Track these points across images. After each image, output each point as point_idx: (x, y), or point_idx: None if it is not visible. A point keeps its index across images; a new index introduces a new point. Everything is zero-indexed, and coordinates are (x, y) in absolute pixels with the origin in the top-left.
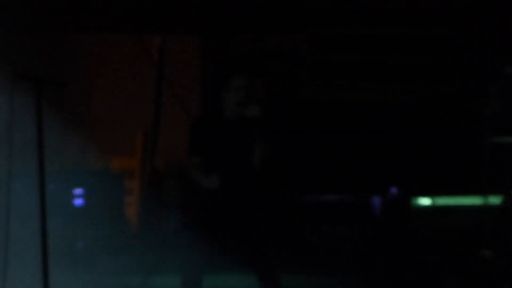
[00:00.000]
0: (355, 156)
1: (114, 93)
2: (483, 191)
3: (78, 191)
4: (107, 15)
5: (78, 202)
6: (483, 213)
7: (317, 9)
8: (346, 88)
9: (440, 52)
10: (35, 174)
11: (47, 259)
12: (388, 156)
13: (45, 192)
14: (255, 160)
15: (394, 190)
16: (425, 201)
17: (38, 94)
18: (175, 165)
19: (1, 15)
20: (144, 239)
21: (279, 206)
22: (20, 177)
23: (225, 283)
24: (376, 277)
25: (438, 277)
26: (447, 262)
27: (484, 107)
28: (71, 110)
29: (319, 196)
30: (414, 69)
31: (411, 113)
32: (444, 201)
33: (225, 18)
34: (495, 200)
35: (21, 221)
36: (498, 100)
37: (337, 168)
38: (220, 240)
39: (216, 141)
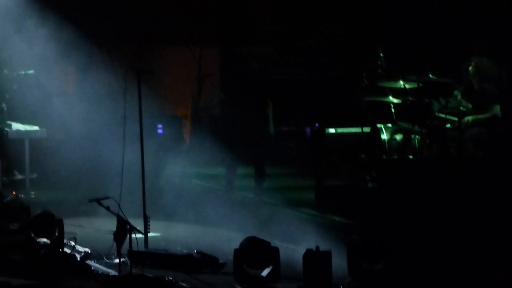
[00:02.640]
0: (298, 107)
1: (178, 77)
2: (360, 124)
3: (159, 126)
4: (174, 37)
5: (159, 131)
6: (360, 136)
7: (276, 31)
8: (292, 73)
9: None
10: (138, 118)
11: (143, 160)
12: (314, 108)
13: (142, 126)
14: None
15: (317, 125)
16: (331, 130)
17: (139, 77)
18: (210, 114)
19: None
20: (193, 149)
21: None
22: (129, 120)
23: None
24: (307, 167)
25: (339, 165)
26: (344, 160)
27: (361, 84)
28: (157, 86)
29: (280, 127)
30: (325, 65)
31: (325, 87)
32: (341, 130)
33: (231, 40)
34: (366, 129)
35: (131, 142)
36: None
37: (289, 114)
38: (234, 149)
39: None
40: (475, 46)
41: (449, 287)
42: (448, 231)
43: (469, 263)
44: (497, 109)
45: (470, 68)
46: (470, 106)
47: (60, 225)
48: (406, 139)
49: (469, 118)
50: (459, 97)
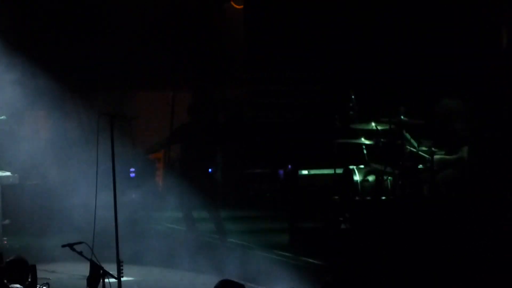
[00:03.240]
0: (271, 149)
1: (151, 121)
2: (333, 166)
3: (132, 169)
4: (148, 82)
5: (132, 175)
6: (333, 178)
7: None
8: (264, 115)
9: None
10: (110, 162)
11: (116, 204)
12: (287, 150)
13: (115, 170)
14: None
15: (290, 166)
16: (304, 172)
17: (112, 122)
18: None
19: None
20: (165, 193)
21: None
22: (103, 164)
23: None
24: (280, 209)
25: (313, 206)
26: (317, 202)
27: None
28: (129, 130)
29: (253, 170)
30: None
31: (298, 129)
32: (314, 171)
33: (203, 85)
34: (339, 171)
35: (105, 186)
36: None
37: (262, 155)
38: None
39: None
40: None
41: None
42: (421, 271)
43: None
44: (464, 151)
45: (441, 109)
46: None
47: (33, 270)
48: (379, 180)
49: (436, 157)
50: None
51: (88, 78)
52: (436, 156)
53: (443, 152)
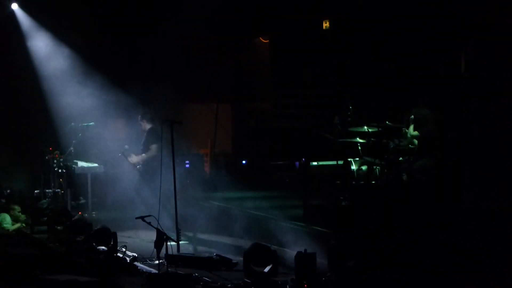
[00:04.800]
0: (290, 147)
1: (199, 126)
2: (336, 159)
3: (187, 162)
4: (198, 96)
5: (187, 166)
6: (336, 167)
7: (275, 94)
8: (285, 122)
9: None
10: (171, 156)
11: (175, 187)
12: (301, 148)
13: (174, 163)
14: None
15: (303, 159)
16: (314, 163)
17: (171, 126)
18: (222, 152)
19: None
20: (211, 180)
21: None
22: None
23: None
24: (298, 191)
25: (321, 189)
26: (324, 185)
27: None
28: (184, 133)
29: (276, 162)
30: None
31: (310, 132)
32: (321, 163)
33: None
34: (341, 162)
35: (167, 174)
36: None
37: (282, 151)
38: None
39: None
40: (418, 100)
41: (403, 275)
42: (400, 235)
43: (416, 258)
44: (433, 146)
45: (412, 116)
46: (416, 142)
47: (114, 236)
48: (370, 169)
49: (413, 133)
50: (408, 133)
51: (153, 92)
52: (413, 133)
53: (417, 143)
